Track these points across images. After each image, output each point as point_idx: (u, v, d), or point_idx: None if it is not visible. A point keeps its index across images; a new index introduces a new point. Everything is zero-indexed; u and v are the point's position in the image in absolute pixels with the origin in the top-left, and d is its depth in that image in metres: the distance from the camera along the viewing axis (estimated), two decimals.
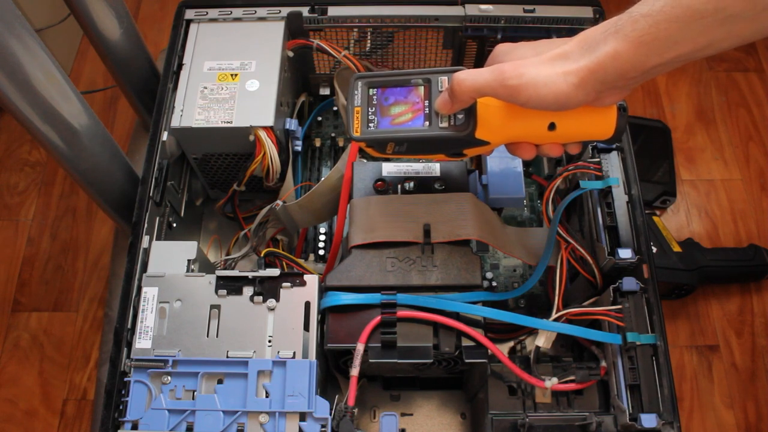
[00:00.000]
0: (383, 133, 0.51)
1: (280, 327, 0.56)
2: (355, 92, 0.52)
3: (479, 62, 0.79)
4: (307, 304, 0.57)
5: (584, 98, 0.44)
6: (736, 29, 0.37)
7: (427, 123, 0.50)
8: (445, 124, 0.50)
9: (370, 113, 0.51)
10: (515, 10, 0.73)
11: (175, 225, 0.71)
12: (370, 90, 0.52)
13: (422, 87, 0.51)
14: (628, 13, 0.41)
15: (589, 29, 0.43)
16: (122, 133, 1.24)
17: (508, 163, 0.67)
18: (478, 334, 0.55)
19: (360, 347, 0.54)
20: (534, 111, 0.46)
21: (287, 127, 0.72)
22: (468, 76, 0.46)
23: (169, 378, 0.54)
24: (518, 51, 0.49)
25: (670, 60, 0.40)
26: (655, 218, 1.07)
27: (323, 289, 0.58)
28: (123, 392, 0.54)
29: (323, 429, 0.53)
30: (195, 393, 0.54)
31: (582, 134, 0.50)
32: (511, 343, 0.70)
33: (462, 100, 0.47)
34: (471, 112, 0.49)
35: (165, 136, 0.67)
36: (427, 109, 0.50)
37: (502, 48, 0.50)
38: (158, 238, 0.65)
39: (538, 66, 0.44)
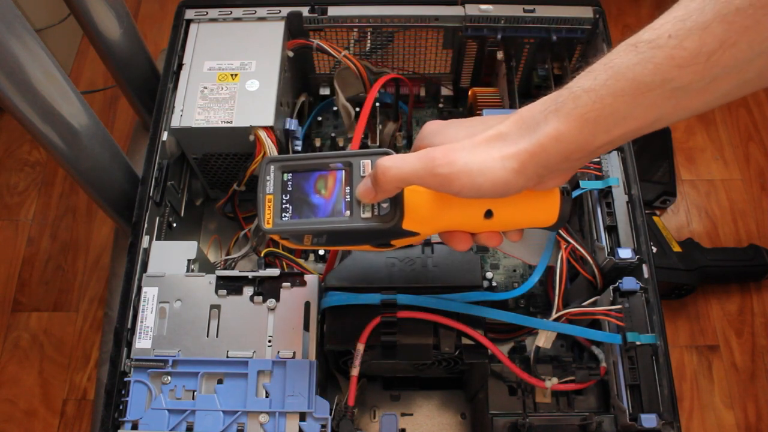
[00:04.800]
0: (298, 225, 0.45)
1: (280, 327, 0.56)
2: (267, 178, 0.46)
3: (479, 63, 0.80)
4: (307, 304, 0.57)
5: (525, 184, 0.39)
6: (684, 102, 0.34)
7: (347, 212, 0.44)
8: (368, 215, 0.44)
9: (284, 201, 0.45)
10: (515, 10, 0.72)
11: (175, 225, 0.71)
12: (285, 175, 0.46)
13: (342, 171, 0.45)
14: (567, 88, 0.37)
15: (527, 106, 0.39)
16: (122, 133, 1.24)
17: None
18: (478, 334, 0.54)
19: (360, 347, 0.54)
20: (467, 199, 0.42)
21: (287, 127, 0.72)
22: (393, 164, 0.40)
23: (169, 378, 0.54)
24: (449, 131, 0.44)
25: (617, 137, 0.36)
26: (655, 218, 1.07)
27: (323, 289, 0.58)
28: (123, 392, 0.54)
29: (323, 429, 0.53)
30: (195, 393, 0.54)
31: (522, 221, 0.45)
32: (511, 343, 0.70)
33: (386, 190, 0.42)
34: (397, 200, 0.43)
35: (165, 136, 0.67)
36: (347, 196, 0.44)
37: (431, 127, 0.45)
38: (158, 238, 0.65)
39: (471, 150, 0.39)
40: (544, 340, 0.58)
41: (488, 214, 0.44)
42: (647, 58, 0.33)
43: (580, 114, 0.36)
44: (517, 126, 0.39)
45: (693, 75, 0.32)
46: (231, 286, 0.58)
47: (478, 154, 0.39)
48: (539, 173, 0.39)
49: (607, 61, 0.35)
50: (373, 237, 0.46)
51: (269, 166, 0.46)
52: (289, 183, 0.46)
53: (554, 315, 0.58)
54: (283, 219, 0.45)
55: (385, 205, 0.44)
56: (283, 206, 0.45)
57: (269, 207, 0.45)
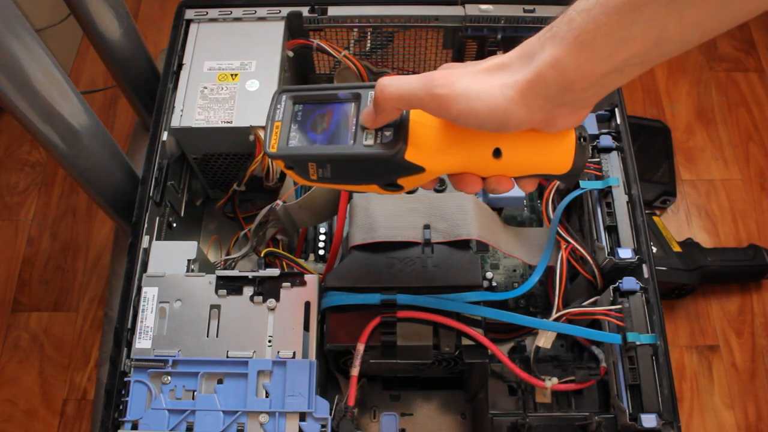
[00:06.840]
0: (302, 150, 0.45)
1: (280, 327, 0.56)
2: (278, 106, 0.46)
3: None
4: (307, 304, 0.57)
5: (527, 116, 0.38)
6: (687, 15, 0.31)
7: (351, 141, 0.43)
8: (370, 141, 0.43)
9: (292, 129, 0.45)
10: (515, 10, 0.73)
11: (175, 225, 0.71)
12: (296, 105, 0.46)
13: (351, 103, 0.45)
14: (563, 14, 0.35)
15: (529, 38, 0.38)
16: (122, 133, 1.24)
17: None
18: (478, 334, 0.54)
19: (360, 347, 0.54)
20: (474, 132, 0.40)
21: None
22: (392, 82, 0.39)
23: (169, 378, 0.54)
24: (455, 65, 0.42)
25: (621, 63, 0.34)
26: (655, 218, 1.07)
27: (323, 289, 0.58)
28: (123, 392, 0.54)
29: (323, 429, 0.53)
30: (195, 393, 0.54)
31: (532, 165, 0.43)
32: (511, 343, 0.70)
33: (385, 110, 0.41)
34: (401, 128, 0.42)
35: (165, 136, 0.67)
36: (353, 127, 0.44)
37: (442, 66, 0.44)
38: (158, 238, 0.65)
39: (472, 76, 0.38)
40: (544, 340, 0.58)
41: (497, 153, 0.42)
42: None
43: (575, 37, 0.34)
44: (518, 56, 0.38)
45: None
46: (231, 286, 0.58)
47: (478, 81, 0.38)
48: (541, 106, 0.37)
49: None
50: (379, 170, 0.45)
51: (281, 95, 0.47)
52: (299, 113, 0.46)
53: (554, 315, 0.58)
54: (289, 145, 0.45)
55: (388, 133, 0.43)
56: (291, 134, 0.45)
57: (276, 133, 0.45)
